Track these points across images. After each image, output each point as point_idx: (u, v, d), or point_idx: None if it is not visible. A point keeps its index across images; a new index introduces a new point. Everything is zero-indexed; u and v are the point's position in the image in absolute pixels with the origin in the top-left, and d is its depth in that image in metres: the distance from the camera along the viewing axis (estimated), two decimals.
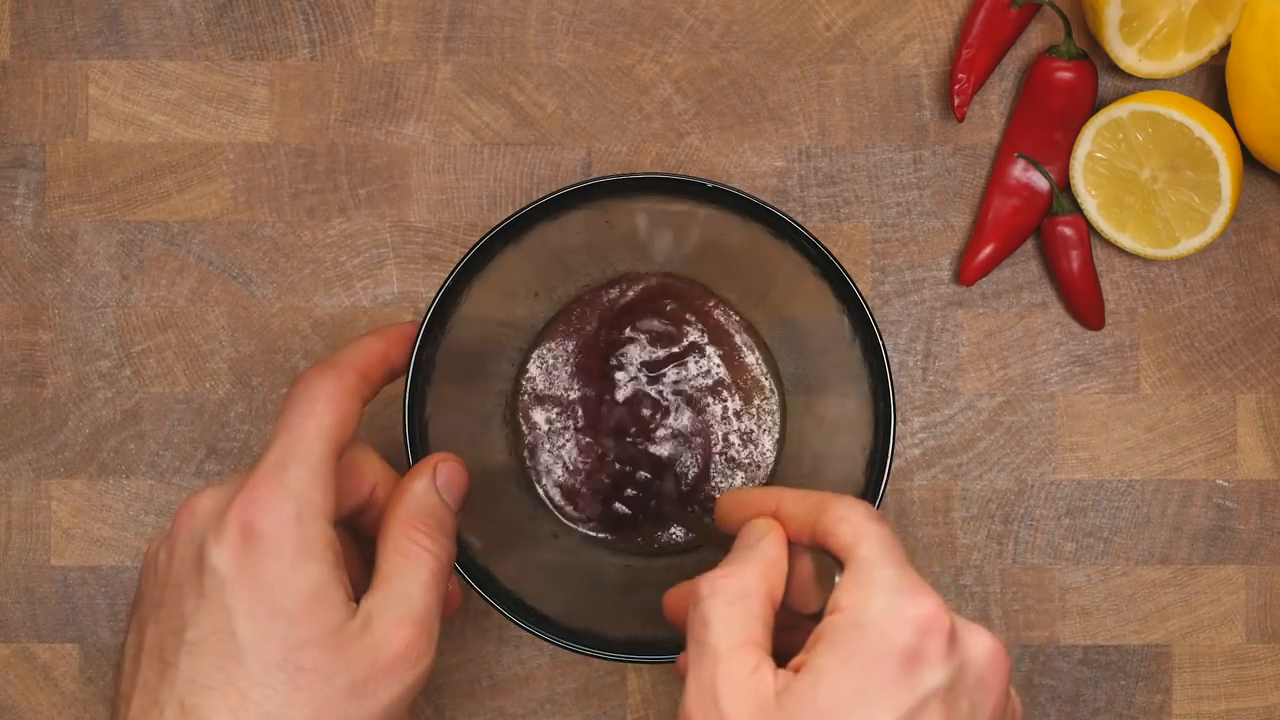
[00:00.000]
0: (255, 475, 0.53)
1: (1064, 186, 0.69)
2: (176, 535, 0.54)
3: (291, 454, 0.53)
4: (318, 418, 0.54)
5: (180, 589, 0.53)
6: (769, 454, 0.67)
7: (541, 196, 0.59)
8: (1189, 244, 0.67)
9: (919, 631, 0.48)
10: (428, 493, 0.57)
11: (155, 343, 0.69)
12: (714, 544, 0.58)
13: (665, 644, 0.59)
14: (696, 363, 0.67)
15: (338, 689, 0.51)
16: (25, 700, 0.69)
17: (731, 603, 0.50)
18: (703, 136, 0.69)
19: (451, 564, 0.56)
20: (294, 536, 0.52)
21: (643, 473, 0.66)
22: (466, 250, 0.59)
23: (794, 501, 0.53)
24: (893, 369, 0.69)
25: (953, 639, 0.48)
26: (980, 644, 0.49)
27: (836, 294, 0.60)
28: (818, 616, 0.50)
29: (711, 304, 0.67)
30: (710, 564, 0.60)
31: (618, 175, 0.59)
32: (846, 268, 0.69)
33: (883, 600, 0.48)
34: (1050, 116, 0.68)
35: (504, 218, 0.59)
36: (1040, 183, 0.68)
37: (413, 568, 0.55)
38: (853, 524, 0.51)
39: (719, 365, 0.67)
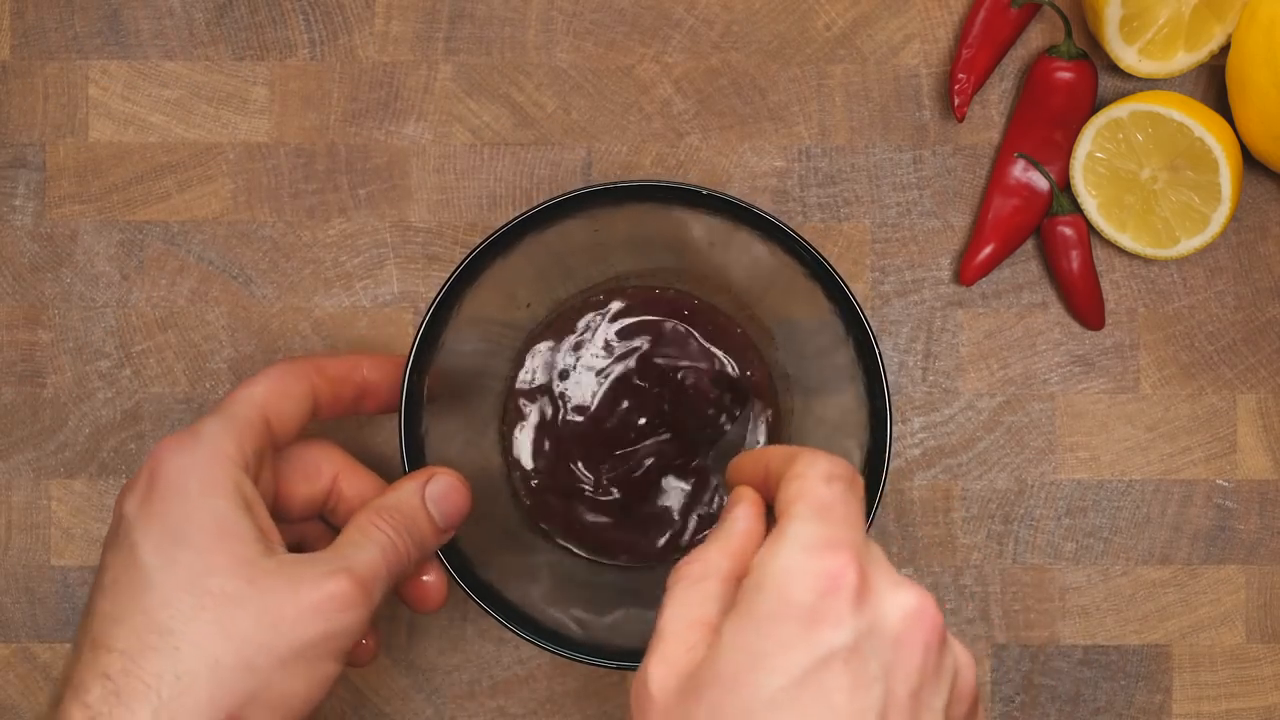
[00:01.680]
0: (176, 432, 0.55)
1: (1064, 186, 0.69)
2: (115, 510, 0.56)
3: (215, 413, 0.55)
4: (250, 386, 0.56)
5: (105, 549, 0.54)
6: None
7: (531, 207, 0.59)
8: (1189, 244, 0.67)
9: (820, 590, 0.45)
10: (410, 495, 0.57)
11: (155, 343, 0.69)
12: None
13: None
14: (697, 364, 0.67)
15: (248, 613, 0.52)
16: (25, 700, 0.69)
17: (689, 587, 0.49)
18: (703, 136, 0.69)
19: (407, 563, 0.57)
20: (198, 477, 0.53)
21: (639, 469, 0.66)
22: (458, 262, 0.59)
23: (776, 459, 0.52)
24: (888, 368, 0.69)
25: (861, 595, 0.46)
26: (900, 601, 0.47)
27: (828, 294, 0.60)
28: None
29: (713, 305, 0.67)
30: None
31: (604, 184, 0.59)
32: (846, 268, 0.69)
33: (786, 559, 0.46)
34: (1050, 116, 0.68)
35: (496, 227, 0.59)
36: (1040, 183, 0.68)
37: (364, 542, 0.55)
38: (801, 482, 0.49)
39: (722, 366, 0.67)
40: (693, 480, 0.66)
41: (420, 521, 0.57)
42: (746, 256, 0.62)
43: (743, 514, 0.51)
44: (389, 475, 0.60)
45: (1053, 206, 0.68)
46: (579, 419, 0.66)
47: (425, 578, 0.60)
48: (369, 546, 0.55)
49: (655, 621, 0.49)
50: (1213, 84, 0.69)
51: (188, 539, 0.52)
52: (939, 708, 0.47)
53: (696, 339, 0.66)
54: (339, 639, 0.53)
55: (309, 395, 0.58)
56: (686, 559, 0.50)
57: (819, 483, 0.49)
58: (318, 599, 0.52)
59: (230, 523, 0.53)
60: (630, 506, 0.66)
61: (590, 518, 0.66)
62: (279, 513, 0.58)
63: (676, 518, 0.66)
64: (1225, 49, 0.68)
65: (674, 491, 0.66)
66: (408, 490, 0.57)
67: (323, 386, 0.59)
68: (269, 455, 0.57)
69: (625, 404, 0.66)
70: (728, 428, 0.66)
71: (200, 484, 0.53)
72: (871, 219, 0.69)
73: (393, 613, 0.69)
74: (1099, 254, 0.69)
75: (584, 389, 0.66)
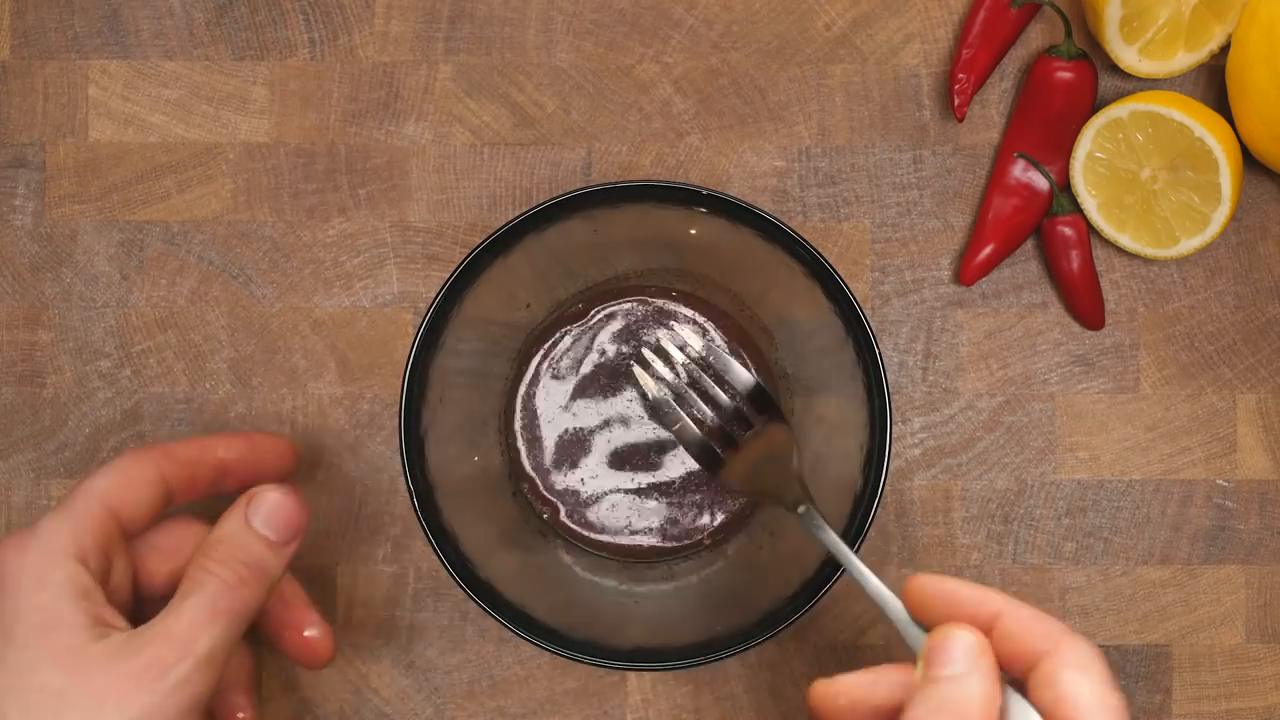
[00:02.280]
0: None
1: (1064, 186, 0.69)
2: None
3: (55, 510, 0.57)
4: (92, 479, 0.58)
5: None
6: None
7: (531, 207, 0.59)
8: (1189, 244, 0.67)
9: None
10: (232, 523, 0.58)
11: (155, 343, 0.69)
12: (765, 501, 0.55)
13: (666, 651, 0.60)
14: (693, 361, 0.67)
15: (73, 705, 0.52)
16: None
17: None
18: (703, 136, 0.69)
19: (251, 592, 0.57)
20: (30, 574, 0.54)
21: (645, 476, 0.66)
22: (458, 263, 0.59)
23: (1021, 621, 0.45)
24: (888, 368, 0.69)
25: None
26: None
27: (827, 294, 0.60)
28: None
29: (710, 307, 0.67)
30: (715, 571, 0.59)
31: (604, 184, 0.59)
32: (846, 268, 0.69)
33: None
34: (1050, 116, 0.68)
35: (496, 227, 0.59)
36: (1040, 183, 0.68)
37: (190, 590, 0.56)
38: (1090, 684, 0.44)
39: (717, 363, 0.67)
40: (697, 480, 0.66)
41: (250, 545, 0.58)
42: (746, 256, 0.62)
43: (980, 682, 0.44)
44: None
45: (1053, 206, 0.68)
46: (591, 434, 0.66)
47: (308, 632, 0.61)
48: (193, 595, 0.56)
49: None
50: (1213, 84, 0.69)
51: (15, 637, 0.53)
52: None
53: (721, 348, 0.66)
54: (175, 700, 0.53)
55: (158, 482, 0.59)
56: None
57: (1109, 689, 0.44)
58: (134, 671, 0.53)
59: (57, 616, 0.54)
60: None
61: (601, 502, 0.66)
62: (146, 593, 0.59)
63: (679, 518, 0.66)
64: (1225, 49, 0.68)
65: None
66: (230, 520, 0.58)
67: (174, 472, 0.60)
68: (119, 543, 0.58)
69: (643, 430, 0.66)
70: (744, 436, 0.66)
71: (31, 581, 0.54)
72: (871, 219, 0.69)
73: (391, 613, 0.69)
74: (1099, 254, 0.69)
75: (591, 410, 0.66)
